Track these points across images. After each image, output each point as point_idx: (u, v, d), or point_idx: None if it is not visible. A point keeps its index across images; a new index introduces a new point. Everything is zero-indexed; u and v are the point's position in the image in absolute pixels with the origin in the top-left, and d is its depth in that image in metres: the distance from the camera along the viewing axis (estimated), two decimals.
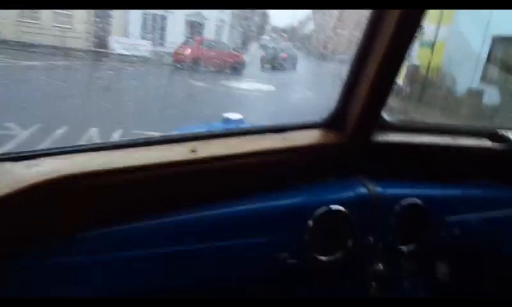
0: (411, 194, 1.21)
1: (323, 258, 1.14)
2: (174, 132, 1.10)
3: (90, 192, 0.91)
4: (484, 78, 9.74)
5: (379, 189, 1.18)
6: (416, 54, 10.65)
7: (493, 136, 1.39)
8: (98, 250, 0.93)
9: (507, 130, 1.38)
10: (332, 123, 1.22)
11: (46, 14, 9.36)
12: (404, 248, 1.23)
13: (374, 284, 1.18)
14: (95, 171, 0.91)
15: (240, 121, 2.46)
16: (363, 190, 1.17)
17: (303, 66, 15.57)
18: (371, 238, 1.17)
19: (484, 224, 1.33)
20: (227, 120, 2.46)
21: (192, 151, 1.04)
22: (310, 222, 1.11)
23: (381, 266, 1.16)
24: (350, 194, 1.16)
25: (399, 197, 1.20)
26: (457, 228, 1.28)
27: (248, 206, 1.07)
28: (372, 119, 1.19)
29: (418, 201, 1.21)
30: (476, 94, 9.42)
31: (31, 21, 9.14)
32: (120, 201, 0.96)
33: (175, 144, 1.07)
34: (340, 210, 1.14)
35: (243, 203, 1.07)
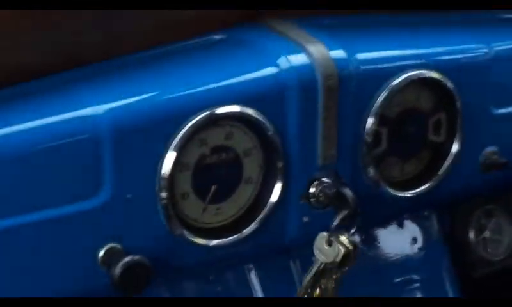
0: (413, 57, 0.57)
1: (213, 242, 0.53)
2: None
3: None
4: None
5: (339, 50, 0.53)
6: None
7: None
8: None
9: None
10: None
11: None
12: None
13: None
14: None
15: None
16: (298, 56, 0.52)
17: None
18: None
19: None
20: None
21: None
22: (172, 154, 0.48)
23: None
24: (270, 69, 0.51)
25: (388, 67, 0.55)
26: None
27: None
28: None
29: (431, 73, 0.56)
30: None
31: None
32: None
33: None
34: (251, 117, 0.50)
35: None
